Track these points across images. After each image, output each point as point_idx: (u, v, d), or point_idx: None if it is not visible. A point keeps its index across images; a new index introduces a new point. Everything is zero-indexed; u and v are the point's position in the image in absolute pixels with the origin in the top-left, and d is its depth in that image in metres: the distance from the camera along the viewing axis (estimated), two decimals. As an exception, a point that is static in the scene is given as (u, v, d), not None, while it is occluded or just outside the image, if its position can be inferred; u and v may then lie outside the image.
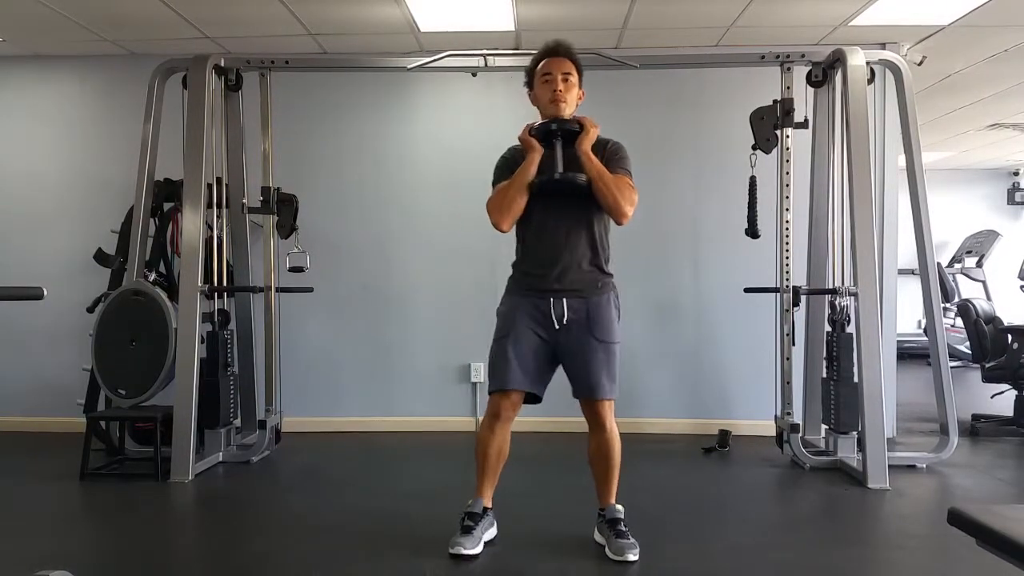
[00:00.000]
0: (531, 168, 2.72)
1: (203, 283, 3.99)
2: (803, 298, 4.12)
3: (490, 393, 2.80)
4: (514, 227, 2.80)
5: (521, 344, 2.75)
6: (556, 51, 2.82)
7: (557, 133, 2.74)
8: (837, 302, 3.96)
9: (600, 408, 2.75)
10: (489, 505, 2.86)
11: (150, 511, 3.44)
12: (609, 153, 2.80)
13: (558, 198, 2.74)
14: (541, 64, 2.83)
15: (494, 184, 2.86)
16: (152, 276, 4.25)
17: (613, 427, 2.78)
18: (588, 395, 2.75)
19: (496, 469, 2.85)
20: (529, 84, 2.88)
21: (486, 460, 2.82)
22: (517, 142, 2.83)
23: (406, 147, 5.06)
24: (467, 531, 2.75)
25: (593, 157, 2.72)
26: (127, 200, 4.37)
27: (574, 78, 2.82)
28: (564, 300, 2.74)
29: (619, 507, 2.83)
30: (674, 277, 5.02)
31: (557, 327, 2.73)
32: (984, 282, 8.61)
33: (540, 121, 2.80)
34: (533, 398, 2.82)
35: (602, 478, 2.83)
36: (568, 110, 2.79)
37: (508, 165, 2.83)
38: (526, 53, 4.27)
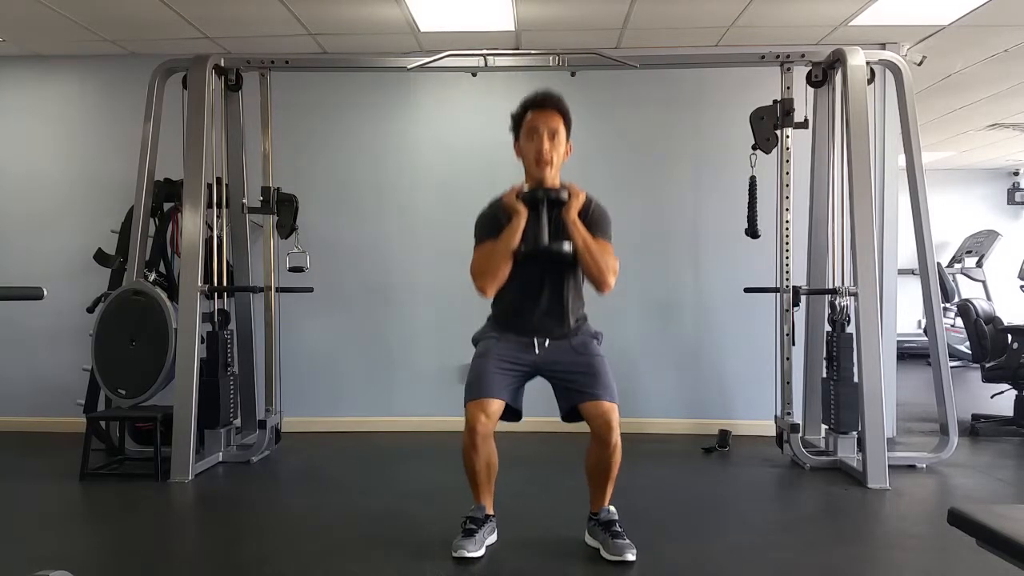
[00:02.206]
0: (516, 235, 2.67)
1: (203, 283, 3.99)
2: (803, 298, 4.13)
3: (466, 405, 2.70)
4: None
5: (502, 362, 2.75)
6: (544, 103, 2.74)
7: (544, 201, 2.70)
8: (837, 302, 3.96)
9: (611, 413, 2.65)
10: (491, 512, 2.84)
11: (150, 511, 3.44)
12: (592, 219, 2.74)
13: (540, 264, 2.73)
14: (528, 116, 2.75)
15: (476, 242, 2.81)
16: (152, 276, 4.25)
17: (619, 440, 2.67)
18: (594, 397, 2.67)
19: (489, 482, 2.80)
20: (515, 133, 2.81)
21: (476, 476, 2.76)
22: (510, 186, 2.79)
23: (406, 147, 5.06)
24: (469, 534, 2.74)
25: (580, 225, 2.68)
26: (127, 200, 4.38)
27: (562, 133, 2.74)
28: (546, 339, 2.77)
29: (612, 509, 2.81)
30: (674, 277, 5.02)
31: (538, 351, 2.76)
32: (984, 282, 8.61)
33: (527, 187, 2.74)
34: (513, 414, 2.79)
35: (599, 488, 2.78)
36: (554, 170, 2.74)
37: (490, 225, 2.77)
38: (526, 53, 4.30)
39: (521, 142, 2.78)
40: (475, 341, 2.92)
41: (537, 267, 2.73)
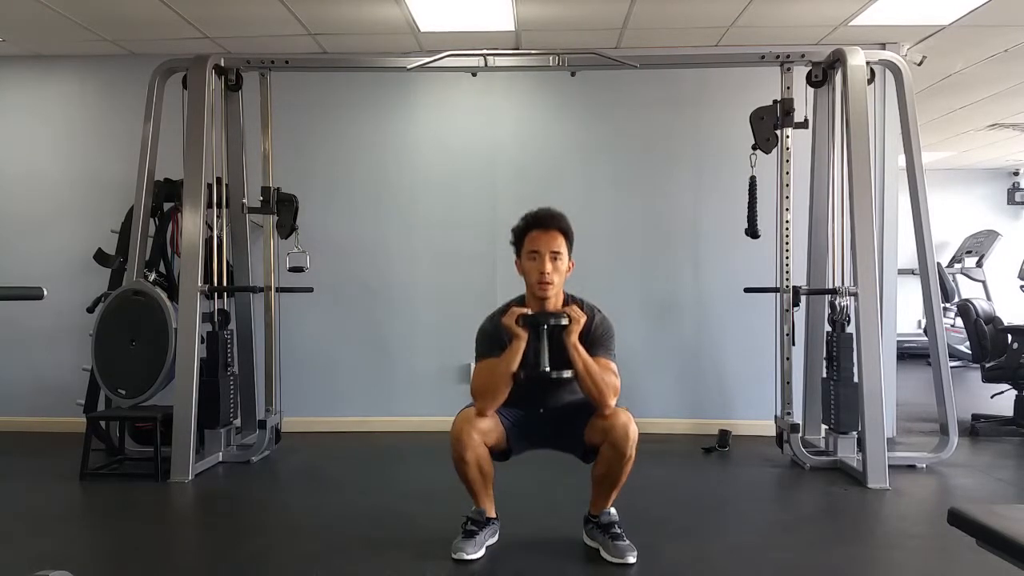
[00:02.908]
0: (516, 357, 2.67)
1: (203, 283, 3.99)
2: (803, 298, 4.13)
3: (456, 415, 2.72)
4: None
5: (505, 408, 2.77)
6: (546, 223, 2.74)
7: (544, 325, 2.70)
8: (837, 302, 3.96)
9: (630, 423, 2.63)
10: (493, 515, 2.84)
11: (150, 511, 3.44)
12: (595, 336, 2.74)
13: (540, 384, 2.75)
14: (529, 236, 2.75)
15: (477, 357, 2.82)
16: (152, 276, 4.25)
17: (634, 454, 2.66)
18: (605, 403, 2.66)
19: (486, 487, 2.79)
20: (516, 249, 2.81)
21: (471, 484, 2.76)
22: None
23: (406, 147, 5.06)
24: (469, 535, 2.74)
25: (580, 349, 2.67)
26: (127, 200, 4.38)
27: (564, 254, 2.74)
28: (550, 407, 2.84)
29: (612, 510, 2.80)
30: (674, 277, 5.02)
31: (541, 411, 2.81)
32: (984, 282, 8.61)
33: (526, 310, 2.73)
34: (501, 455, 2.81)
35: (604, 493, 2.78)
36: (555, 290, 2.75)
37: (492, 341, 2.77)
38: (526, 53, 4.30)
39: (522, 261, 2.78)
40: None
41: (538, 385, 2.76)
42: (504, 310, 2.78)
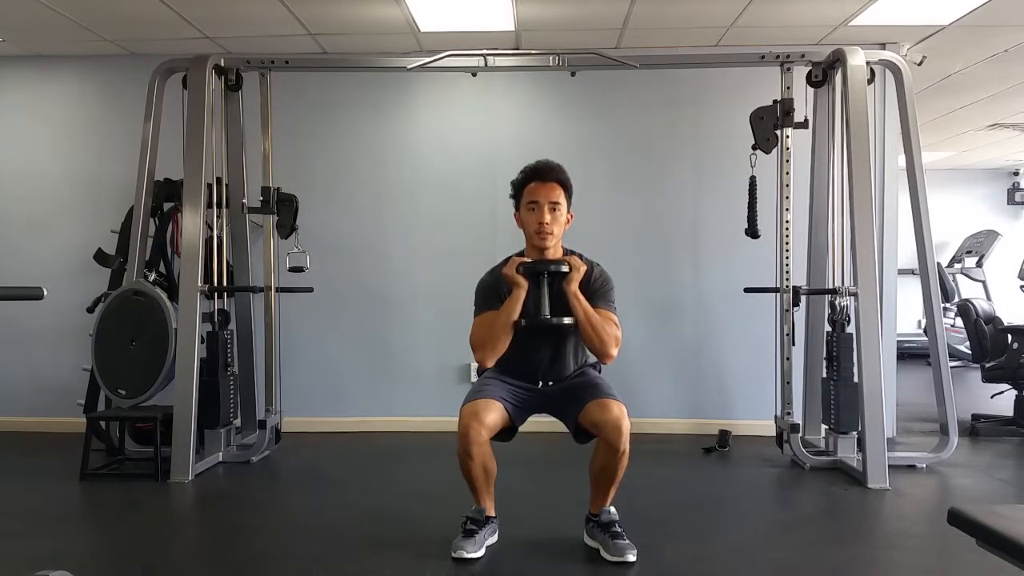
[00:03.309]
0: (517, 306, 2.69)
1: (203, 283, 3.99)
2: (803, 298, 4.13)
3: (461, 409, 2.67)
4: None
5: (504, 383, 2.78)
6: (545, 175, 2.76)
7: (544, 273, 2.71)
8: (837, 302, 3.96)
9: (621, 417, 2.60)
10: (492, 514, 2.84)
11: (150, 511, 3.44)
12: (595, 287, 2.77)
13: (541, 333, 2.76)
14: (528, 188, 2.77)
15: (476, 311, 2.82)
16: (152, 276, 4.25)
17: (628, 447, 2.63)
18: (605, 396, 2.66)
19: (488, 486, 2.79)
20: (515, 201, 2.82)
21: (474, 481, 2.75)
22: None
23: (406, 147, 5.06)
24: (469, 534, 2.74)
25: (580, 297, 2.69)
26: (127, 200, 4.38)
27: (562, 205, 2.76)
28: (549, 382, 2.83)
29: (612, 510, 2.80)
30: (674, 277, 5.02)
31: (541, 386, 2.81)
32: (984, 282, 8.61)
33: (527, 259, 2.75)
34: (508, 432, 2.80)
35: (602, 491, 2.77)
36: (554, 240, 2.77)
37: (491, 294, 2.79)
38: (526, 53, 4.30)
39: (521, 213, 2.80)
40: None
41: (538, 335, 2.77)
42: (504, 263, 2.80)
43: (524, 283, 2.70)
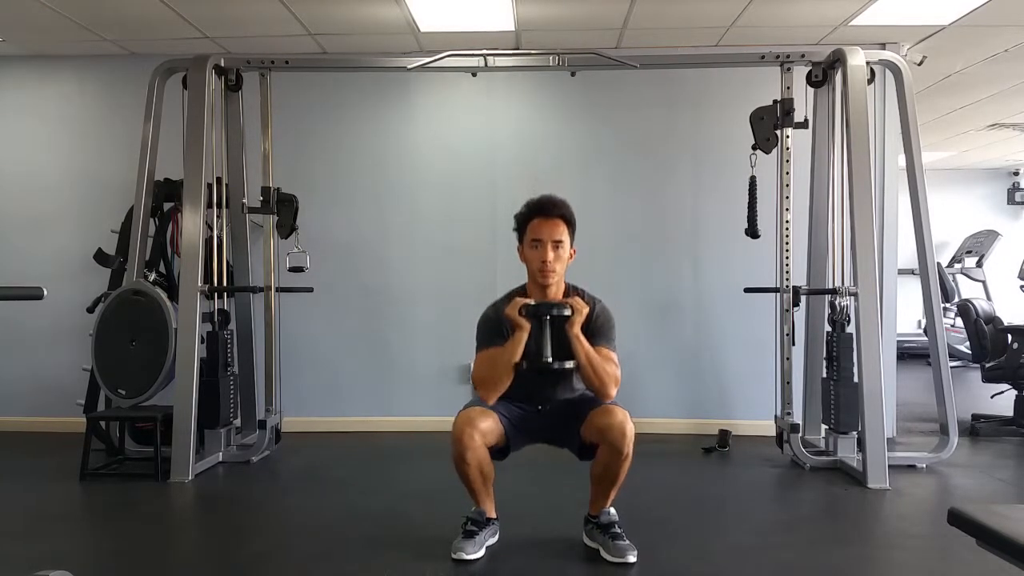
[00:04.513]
0: (518, 348, 2.69)
1: (203, 283, 3.99)
2: (803, 298, 4.13)
3: (457, 415, 2.70)
4: None
5: (503, 402, 2.77)
6: (548, 210, 2.75)
7: (546, 316, 2.70)
8: (837, 302, 3.96)
9: (625, 421, 2.62)
10: (493, 516, 2.84)
11: (150, 511, 3.44)
12: (596, 325, 2.76)
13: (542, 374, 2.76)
14: (531, 224, 2.76)
15: (479, 347, 2.82)
16: (152, 276, 4.25)
17: (631, 451, 2.65)
18: (601, 401, 2.70)
19: (486, 487, 2.79)
20: (518, 236, 2.82)
21: (471, 484, 2.75)
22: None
23: (406, 147, 5.06)
24: (469, 535, 2.74)
25: (583, 339, 2.69)
26: (127, 200, 4.38)
27: (565, 242, 2.76)
28: (548, 405, 2.84)
29: (612, 510, 2.80)
30: (674, 277, 5.02)
31: (540, 408, 2.81)
32: (984, 282, 8.61)
33: (529, 301, 2.74)
34: (500, 454, 2.80)
35: (603, 493, 2.77)
36: (556, 277, 2.77)
37: (494, 330, 2.78)
38: (526, 53, 4.30)
39: (524, 249, 2.80)
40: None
41: (537, 381, 2.77)
42: (507, 298, 2.80)
43: (526, 325, 2.69)
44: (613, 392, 2.69)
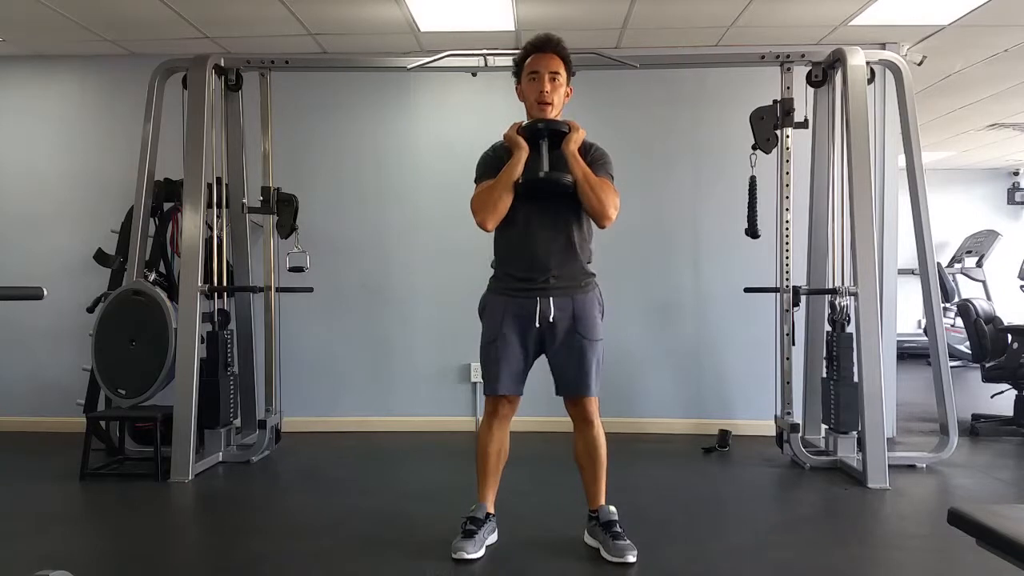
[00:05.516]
0: (518, 167, 2.71)
1: (203, 283, 3.99)
2: (803, 298, 4.13)
3: (487, 396, 2.84)
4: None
5: (509, 347, 2.76)
6: (545, 46, 2.79)
7: (544, 133, 2.73)
8: (837, 302, 3.96)
9: (588, 404, 2.77)
10: (492, 511, 2.85)
11: (150, 511, 3.44)
12: (593, 157, 2.78)
13: (542, 199, 2.74)
14: (529, 59, 2.79)
15: (477, 181, 2.85)
16: (152, 276, 4.25)
17: (599, 424, 2.81)
18: (575, 393, 2.77)
19: (497, 470, 2.86)
20: (517, 77, 2.86)
21: (487, 460, 2.82)
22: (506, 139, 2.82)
23: (406, 147, 5.06)
24: (469, 535, 2.74)
25: (579, 158, 2.71)
26: (127, 200, 4.38)
27: (562, 76, 2.78)
28: (550, 299, 2.74)
29: (612, 508, 2.82)
30: (674, 277, 5.02)
31: (539, 325, 2.75)
32: (984, 282, 8.61)
33: (527, 120, 2.79)
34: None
35: (591, 478, 2.83)
36: (554, 111, 2.78)
37: (491, 163, 2.81)
38: (526, 53, 4.29)
39: (522, 84, 2.83)
40: (481, 311, 2.90)
41: (539, 203, 2.75)
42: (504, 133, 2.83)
43: (525, 146, 2.72)
44: (613, 214, 2.69)
